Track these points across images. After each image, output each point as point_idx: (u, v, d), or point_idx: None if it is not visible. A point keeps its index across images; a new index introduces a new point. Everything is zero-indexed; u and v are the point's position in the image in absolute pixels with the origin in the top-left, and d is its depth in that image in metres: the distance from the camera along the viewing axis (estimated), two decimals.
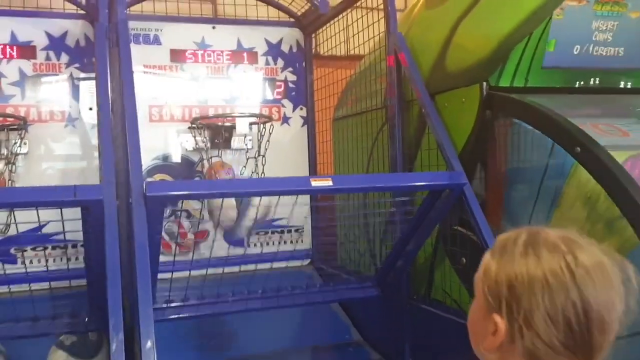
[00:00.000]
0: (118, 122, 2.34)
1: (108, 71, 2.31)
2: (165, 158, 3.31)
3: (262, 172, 3.25)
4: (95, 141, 3.09)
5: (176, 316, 2.49)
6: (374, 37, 3.10)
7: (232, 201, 3.03)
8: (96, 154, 3.11)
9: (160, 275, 2.48)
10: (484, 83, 2.27)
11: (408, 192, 2.46)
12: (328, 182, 2.01)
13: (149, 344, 1.63)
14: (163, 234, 3.14)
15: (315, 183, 2.00)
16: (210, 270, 2.61)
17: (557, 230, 0.97)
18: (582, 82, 2.50)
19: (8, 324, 2.32)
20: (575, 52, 2.32)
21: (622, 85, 2.58)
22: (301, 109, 3.62)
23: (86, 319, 2.40)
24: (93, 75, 3.11)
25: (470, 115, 2.31)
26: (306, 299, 2.67)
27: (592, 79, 2.46)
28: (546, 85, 2.36)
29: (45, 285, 2.52)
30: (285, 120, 3.58)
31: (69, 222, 2.04)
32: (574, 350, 0.90)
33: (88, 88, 3.19)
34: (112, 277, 1.68)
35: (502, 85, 2.28)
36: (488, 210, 2.34)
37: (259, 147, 3.27)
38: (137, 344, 1.85)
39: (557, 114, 2.03)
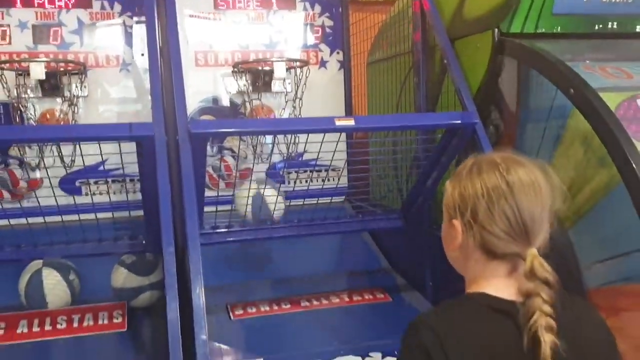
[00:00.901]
0: (166, 67, 2.63)
1: (156, 21, 2.58)
2: (211, 101, 3.58)
3: (299, 114, 3.50)
4: (147, 84, 3.41)
5: (222, 240, 2.80)
6: None
7: None
8: (147, 96, 3.45)
9: (209, 208, 2.81)
10: (496, 29, 2.45)
11: (428, 131, 2.69)
12: (350, 122, 2.26)
13: (195, 255, 1.94)
14: (211, 171, 3.48)
15: (339, 123, 2.25)
16: None
17: (499, 152, 1.25)
18: (600, 26, 2.64)
19: (78, 244, 2.70)
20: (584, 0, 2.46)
21: (637, 29, 2.69)
22: (338, 53, 3.81)
23: (143, 241, 2.76)
24: (144, 22, 3.40)
25: (484, 60, 2.49)
26: (337, 228, 2.96)
27: (602, 25, 2.58)
28: (557, 31, 2.51)
29: (108, 215, 2.87)
30: (322, 64, 3.78)
31: (126, 159, 2.38)
32: (514, 236, 1.16)
33: (139, 35, 3.45)
34: (164, 199, 2.01)
35: (513, 31, 2.45)
36: (501, 147, 2.56)
37: (296, 90, 3.52)
38: (187, 260, 2.18)
39: (556, 57, 2.21)
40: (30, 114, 3.21)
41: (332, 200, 3.09)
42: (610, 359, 1.26)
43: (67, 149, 3.17)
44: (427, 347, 1.12)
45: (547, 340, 1.08)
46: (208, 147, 3.41)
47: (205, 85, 3.59)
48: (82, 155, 2.44)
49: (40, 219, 2.70)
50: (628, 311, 2.05)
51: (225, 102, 3.60)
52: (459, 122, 2.36)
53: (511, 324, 1.13)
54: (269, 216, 2.89)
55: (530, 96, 2.41)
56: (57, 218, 2.70)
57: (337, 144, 2.42)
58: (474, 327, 1.16)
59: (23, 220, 2.69)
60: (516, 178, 1.17)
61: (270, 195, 2.90)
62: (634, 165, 1.92)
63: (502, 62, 2.46)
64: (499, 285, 1.20)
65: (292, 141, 3.43)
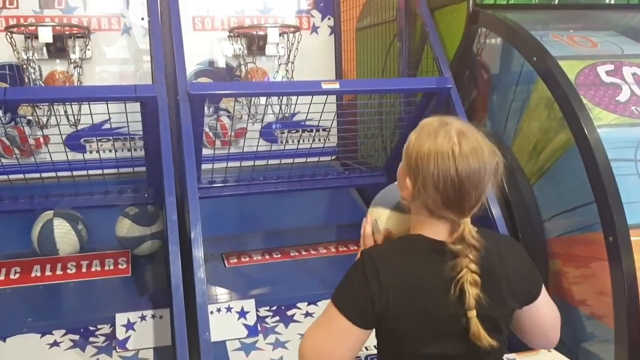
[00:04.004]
0: (166, 31, 2.81)
1: None
2: (208, 63, 3.76)
3: (292, 77, 3.69)
4: (146, 47, 3.60)
5: (218, 194, 3.01)
6: None
7: None
8: (146, 58, 3.64)
9: (207, 166, 3.02)
10: (471, 1, 2.65)
11: (410, 94, 2.90)
12: (336, 85, 2.47)
13: (194, 201, 2.16)
14: (208, 130, 3.68)
15: (325, 86, 2.46)
16: (248, 163, 3.13)
17: (458, 125, 1.39)
18: None
19: (85, 197, 2.93)
20: None
21: (606, 1, 2.89)
22: (329, 19, 3.97)
23: (145, 194, 2.99)
24: None
25: (460, 29, 2.70)
26: (324, 183, 3.17)
27: None
28: (528, 2, 2.71)
29: (110, 170, 3.07)
30: (314, 29, 3.95)
31: (127, 118, 2.57)
32: (449, 208, 1.35)
33: (140, 0, 3.60)
34: (166, 153, 2.22)
35: (487, 2, 2.65)
36: (476, 109, 2.78)
37: (289, 54, 3.70)
38: (186, 209, 2.41)
39: (521, 27, 2.42)
40: (37, 75, 3.39)
41: (323, 159, 3.29)
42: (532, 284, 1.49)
43: (71, 108, 3.35)
44: (365, 273, 1.35)
45: (472, 293, 1.31)
46: (205, 108, 3.62)
47: (202, 48, 3.76)
48: (90, 115, 2.61)
49: (47, 174, 2.92)
50: (583, 257, 2.29)
51: (221, 65, 3.78)
52: (434, 86, 2.57)
53: (441, 260, 1.34)
54: None
55: (500, 63, 2.62)
56: (62, 173, 2.92)
57: (323, 106, 2.62)
58: (408, 262, 1.38)
59: (30, 175, 2.92)
60: (465, 166, 1.32)
61: None
62: (584, 128, 2.15)
63: (475, 32, 2.67)
64: (435, 230, 1.40)
65: (285, 102, 3.61)
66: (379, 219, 1.59)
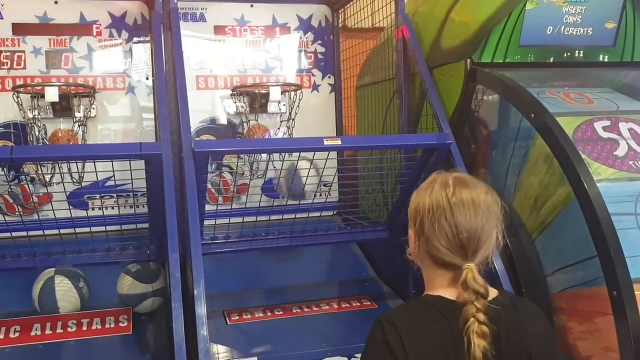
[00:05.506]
0: (170, 90, 2.87)
1: (163, 51, 2.83)
2: (211, 121, 3.82)
3: (292, 133, 3.74)
4: (150, 106, 3.67)
5: (220, 250, 3.00)
6: (394, 11, 3.47)
7: None
8: (150, 116, 3.70)
9: (209, 222, 3.03)
10: (468, 60, 2.72)
11: (410, 150, 2.94)
12: (337, 142, 2.51)
13: (197, 257, 2.16)
14: (210, 186, 3.71)
15: (327, 142, 2.49)
16: (250, 218, 3.15)
17: (456, 173, 1.46)
18: (567, 54, 2.92)
19: (87, 254, 2.91)
20: (548, 32, 2.74)
21: (600, 59, 2.97)
22: (329, 77, 4.06)
23: (148, 251, 2.98)
24: (149, 48, 3.66)
25: (458, 87, 2.76)
26: (326, 239, 3.18)
27: (569, 54, 2.86)
28: (527, 60, 2.79)
29: (117, 227, 3.09)
30: (315, 87, 4.03)
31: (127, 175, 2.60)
32: (452, 251, 1.37)
33: (144, 60, 3.70)
34: (170, 210, 2.24)
35: (484, 61, 2.73)
36: (475, 165, 2.82)
37: (290, 111, 3.77)
38: (188, 265, 2.40)
39: (519, 85, 2.48)
40: (42, 134, 3.43)
41: (325, 214, 3.30)
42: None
43: (74, 165, 3.36)
44: (389, 342, 1.33)
45: (479, 344, 1.28)
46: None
47: (204, 107, 3.83)
48: (95, 172, 2.63)
49: (50, 231, 2.93)
50: (587, 312, 2.27)
51: (223, 122, 3.84)
52: (435, 142, 2.61)
53: (456, 324, 1.33)
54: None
55: (499, 119, 2.67)
56: (62, 230, 2.92)
57: (325, 162, 2.66)
58: (428, 326, 1.35)
59: (31, 232, 2.92)
60: (458, 199, 1.37)
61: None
62: (584, 183, 2.17)
63: (473, 89, 2.73)
64: (447, 291, 1.40)
65: (286, 158, 3.64)
66: None
